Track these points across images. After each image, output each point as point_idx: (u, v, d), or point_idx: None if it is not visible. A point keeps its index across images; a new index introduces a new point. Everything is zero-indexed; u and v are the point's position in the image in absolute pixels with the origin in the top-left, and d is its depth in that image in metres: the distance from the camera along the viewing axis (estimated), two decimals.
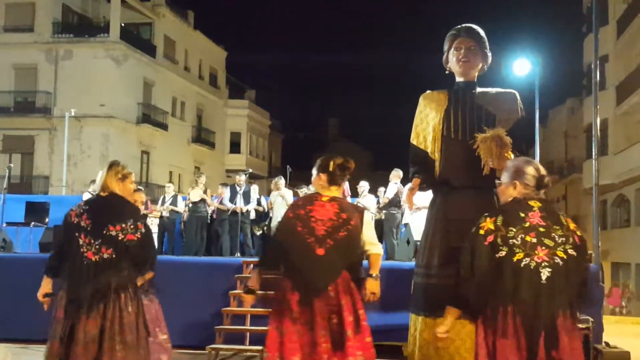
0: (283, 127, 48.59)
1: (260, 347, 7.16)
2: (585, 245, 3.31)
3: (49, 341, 4.09)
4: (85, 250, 4.07)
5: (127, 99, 29.41)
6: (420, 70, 64.87)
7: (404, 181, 10.72)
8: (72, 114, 25.71)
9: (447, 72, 5.35)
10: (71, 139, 26.15)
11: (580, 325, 5.78)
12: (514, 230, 3.23)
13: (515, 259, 3.18)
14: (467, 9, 59.58)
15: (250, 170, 15.92)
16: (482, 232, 3.26)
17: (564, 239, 3.23)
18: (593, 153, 9.01)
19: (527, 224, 3.24)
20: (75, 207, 4.26)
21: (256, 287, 3.93)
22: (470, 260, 3.25)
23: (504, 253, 3.20)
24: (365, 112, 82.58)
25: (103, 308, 4.01)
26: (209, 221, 12.71)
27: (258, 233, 12.22)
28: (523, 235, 3.21)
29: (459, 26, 5.23)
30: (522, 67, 18.72)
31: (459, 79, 5.25)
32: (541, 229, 3.23)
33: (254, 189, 12.89)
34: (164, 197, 13.41)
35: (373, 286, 4.13)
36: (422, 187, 5.23)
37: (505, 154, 4.60)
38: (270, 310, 4.01)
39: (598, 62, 9.88)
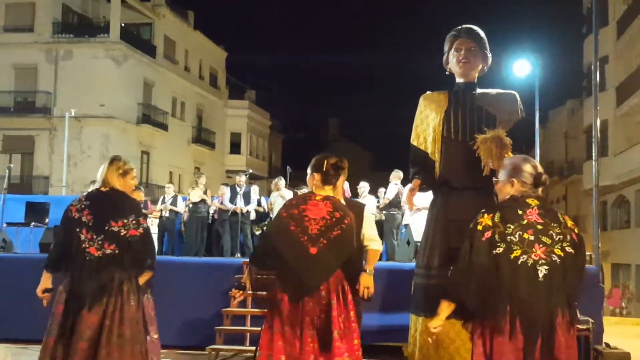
0: (283, 128, 48.60)
1: None
2: (582, 243, 3.30)
3: (45, 337, 4.06)
4: (87, 245, 4.06)
5: (127, 99, 29.42)
6: (421, 71, 64.93)
7: (404, 182, 10.72)
8: (72, 114, 25.72)
9: (447, 72, 5.35)
10: (71, 139, 26.16)
11: (580, 326, 5.79)
12: (512, 227, 3.22)
13: (512, 256, 3.18)
14: (468, 10, 59.63)
15: (251, 171, 15.91)
16: (479, 227, 3.26)
17: (561, 236, 3.22)
18: (593, 154, 9.01)
19: (525, 221, 3.23)
20: (76, 201, 4.24)
21: (247, 283, 3.95)
22: (469, 254, 3.24)
23: (501, 250, 3.19)
24: (366, 113, 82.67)
25: (105, 302, 4.01)
26: (209, 221, 12.72)
27: (258, 233, 12.22)
28: (521, 233, 3.20)
29: (459, 27, 5.23)
30: (522, 68, 18.73)
31: (459, 79, 5.25)
32: (539, 227, 3.23)
33: (254, 190, 12.89)
34: (164, 198, 13.41)
35: (367, 281, 4.20)
36: (422, 188, 5.24)
37: (506, 155, 4.61)
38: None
39: (598, 63, 9.88)
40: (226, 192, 12.35)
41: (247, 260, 8.88)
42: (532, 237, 3.20)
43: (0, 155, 27.91)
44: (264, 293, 3.86)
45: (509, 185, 3.40)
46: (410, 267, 5.98)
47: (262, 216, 12.53)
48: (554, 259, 3.18)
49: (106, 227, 4.07)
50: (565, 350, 3.16)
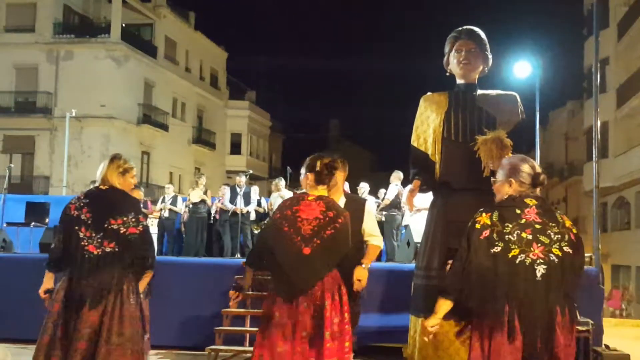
0: (283, 128, 48.54)
1: None
2: (581, 243, 3.29)
3: (40, 335, 4.03)
4: (86, 243, 4.05)
5: (128, 99, 29.43)
6: (421, 72, 64.94)
7: (405, 183, 10.73)
8: (73, 114, 25.71)
9: (447, 74, 5.36)
10: (72, 139, 26.16)
11: (580, 328, 5.79)
12: (510, 226, 3.21)
13: (510, 255, 3.17)
14: (468, 11, 59.62)
15: (251, 171, 15.92)
16: (477, 226, 3.25)
17: (559, 236, 3.22)
18: (593, 155, 9.00)
19: (523, 221, 3.23)
20: (75, 199, 4.22)
21: (244, 284, 3.94)
22: (466, 252, 3.24)
23: (499, 248, 3.18)
24: (366, 114, 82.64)
25: (105, 301, 4.00)
26: (210, 222, 12.72)
27: (257, 232, 12.22)
28: (519, 232, 3.20)
29: (460, 28, 5.24)
30: (523, 69, 18.72)
31: (459, 81, 5.25)
32: (537, 226, 3.22)
33: (254, 190, 12.89)
34: (164, 198, 13.42)
35: (360, 273, 4.16)
36: (422, 189, 5.24)
37: (506, 156, 4.60)
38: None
39: (599, 65, 9.87)
40: (226, 192, 12.35)
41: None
42: (530, 237, 3.19)
43: (0, 155, 27.94)
44: (263, 293, 3.87)
45: (507, 185, 3.39)
46: (410, 268, 5.98)
47: (262, 217, 12.53)
48: (552, 258, 3.17)
49: (105, 225, 4.06)
50: (564, 349, 3.15)
